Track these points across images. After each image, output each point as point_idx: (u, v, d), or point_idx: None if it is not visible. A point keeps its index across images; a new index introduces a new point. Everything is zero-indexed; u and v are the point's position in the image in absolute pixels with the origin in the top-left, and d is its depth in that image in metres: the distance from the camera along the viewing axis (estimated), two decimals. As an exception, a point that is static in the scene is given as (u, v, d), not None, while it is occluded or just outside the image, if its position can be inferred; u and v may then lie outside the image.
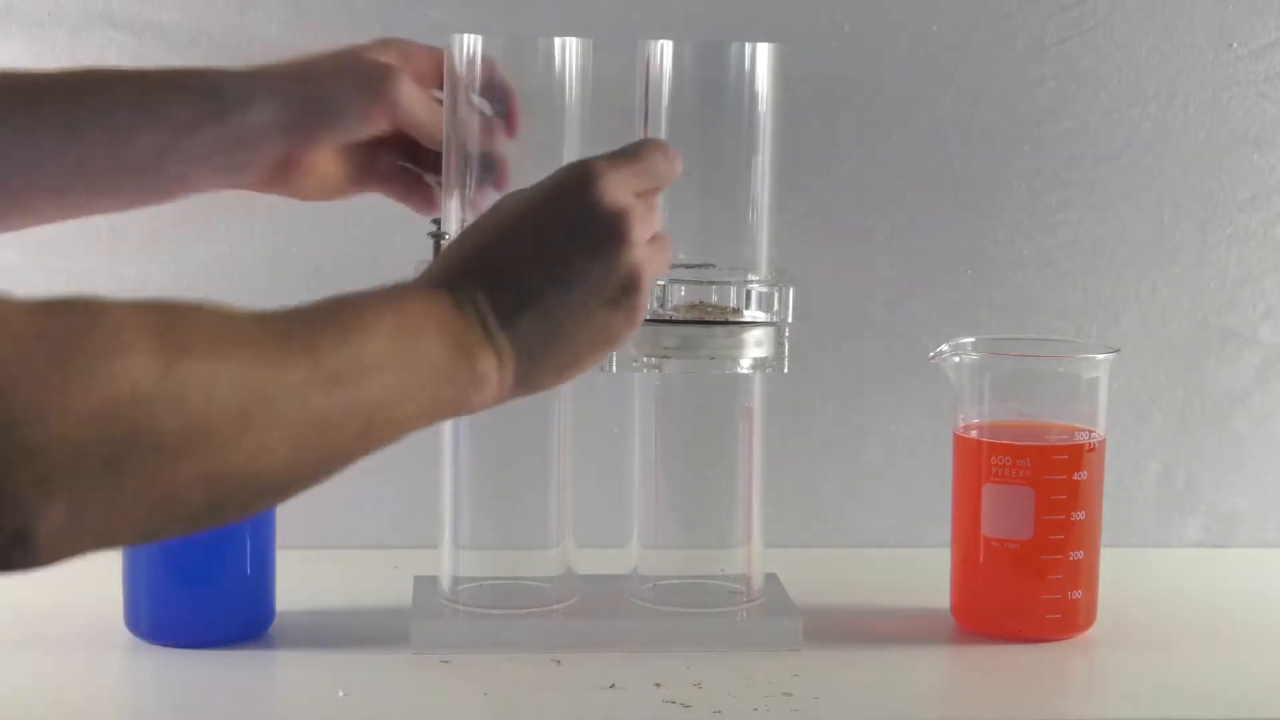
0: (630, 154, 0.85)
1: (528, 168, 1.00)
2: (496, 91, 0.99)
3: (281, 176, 0.97)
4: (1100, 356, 1.06)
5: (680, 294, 1.00)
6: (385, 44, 0.98)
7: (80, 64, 1.11)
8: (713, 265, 1.00)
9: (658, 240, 0.85)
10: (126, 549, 1.00)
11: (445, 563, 1.03)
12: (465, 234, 0.83)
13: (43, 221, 1.01)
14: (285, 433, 0.69)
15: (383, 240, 1.17)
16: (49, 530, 0.63)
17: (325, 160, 0.97)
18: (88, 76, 0.96)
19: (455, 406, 0.79)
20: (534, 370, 0.81)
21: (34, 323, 0.63)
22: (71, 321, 0.64)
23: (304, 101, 0.95)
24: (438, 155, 0.99)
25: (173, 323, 0.67)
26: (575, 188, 0.82)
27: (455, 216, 0.98)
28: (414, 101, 0.96)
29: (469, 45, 0.98)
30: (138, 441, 0.64)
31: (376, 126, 0.96)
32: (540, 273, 0.81)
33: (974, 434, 1.05)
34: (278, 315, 0.73)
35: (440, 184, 0.99)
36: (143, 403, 0.64)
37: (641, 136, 1.00)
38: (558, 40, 0.98)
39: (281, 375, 0.70)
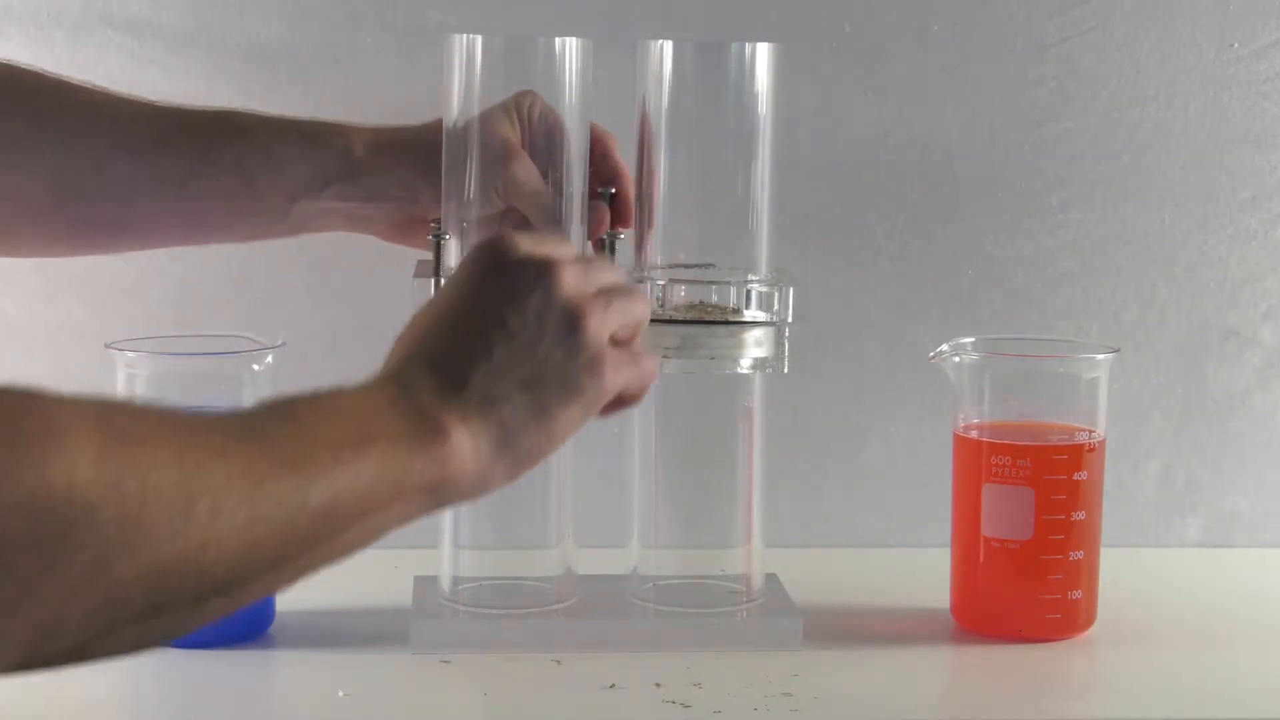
0: (532, 231, 0.86)
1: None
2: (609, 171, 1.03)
3: (403, 232, 1.03)
4: (1100, 356, 1.06)
5: (680, 294, 1.00)
6: (507, 110, 0.99)
7: (90, 65, 1.12)
8: (713, 265, 1.00)
9: (609, 292, 0.81)
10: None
11: (445, 563, 1.03)
12: (399, 336, 0.80)
13: (168, 245, 1.08)
14: (235, 522, 0.64)
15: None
16: None
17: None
18: (220, 119, 1.01)
19: (436, 486, 0.74)
20: (510, 432, 0.77)
21: None
22: (2, 410, 0.59)
23: (428, 173, 1.00)
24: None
25: (109, 411, 0.63)
26: (490, 255, 0.80)
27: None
28: (528, 184, 0.98)
29: (469, 45, 0.98)
30: (72, 536, 0.59)
31: (493, 206, 0.99)
32: (480, 336, 0.78)
33: (974, 434, 1.05)
34: (217, 412, 0.69)
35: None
36: (78, 494, 0.59)
37: (641, 137, 1.00)
38: (558, 40, 0.98)
39: (226, 461, 0.65)
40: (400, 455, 0.72)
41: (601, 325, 0.80)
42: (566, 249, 0.82)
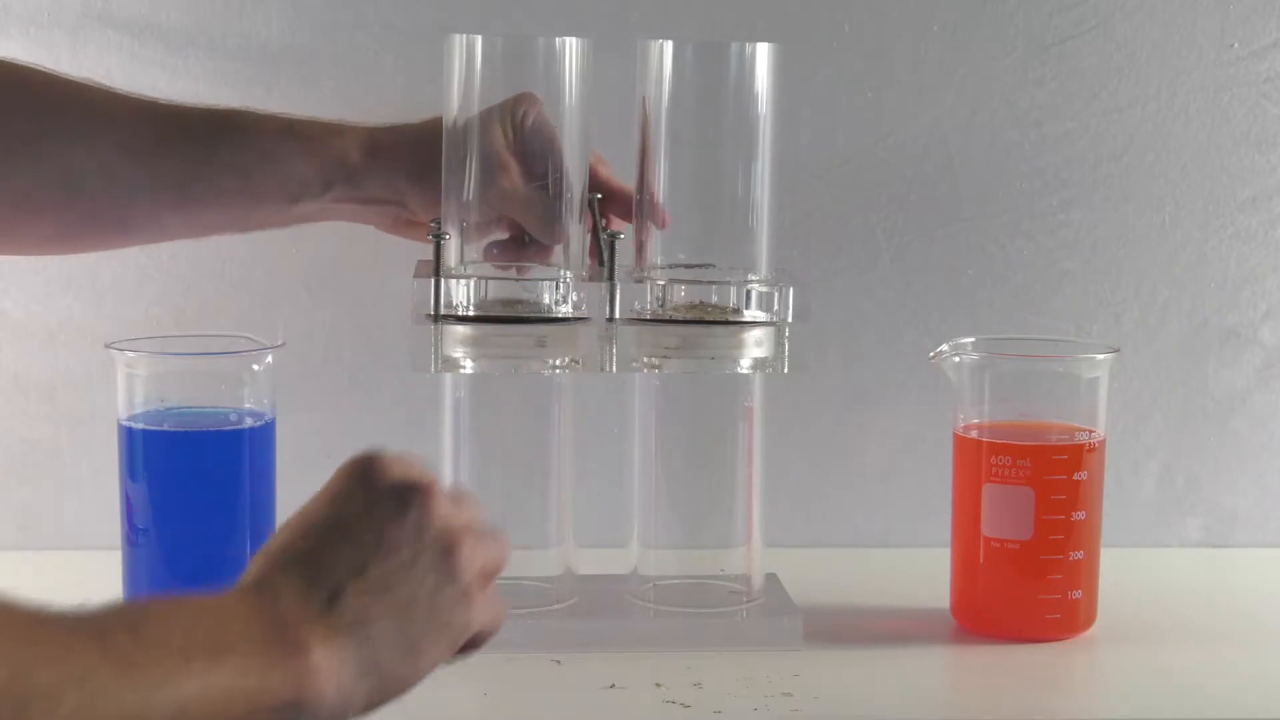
0: (403, 455, 0.80)
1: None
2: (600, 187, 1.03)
3: (400, 228, 1.05)
4: (1100, 356, 1.06)
5: (680, 294, 1.00)
6: (503, 114, 0.99)
7: (90, 65, 1.13)
8: (713, 265, 1.00)
9: (483, 534, 0.77)
10: (126, 545, 1.01)
11: (445, 563, 1.03)
12: (265, 546, 0.75)
13: (170, 240, 1.09)
14: None
15: (382, 239, 1.17)
16: None
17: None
18: (220, 120, 1.02)
19: (292, 706, 0.68)
20: (375, 659, 0.71)
21: None
22: None
23: (418, 180, 1.01)
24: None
25: None
26: (363, 473, 0.76)
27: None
28: (517, 195, 0.99)
29: (469, 45, 0.98)
30: None
31: (485, 214, 0.99)
32: (356, 551, 0.73)
33: (974, 434, 1.05)
34: (60, 610, 0.64)
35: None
36: None
37: (641, 138, 1.00)
38: (558, 40, 0.98)
39: (64, 662, 0.60)
40: (256, 669, 0.67)
41: (473, 556, 0.76)
42: (435, 476, 0.77)
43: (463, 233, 0.99)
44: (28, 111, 0.98)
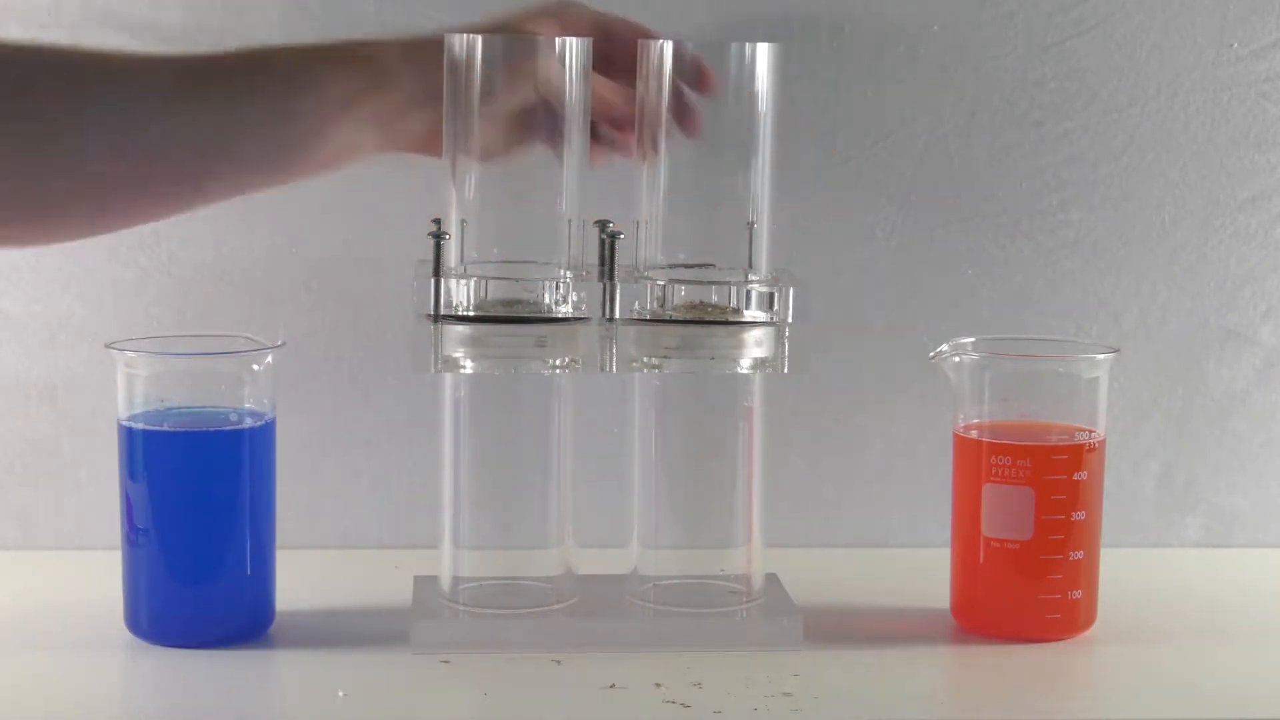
0: None
1: (528, 168, 1.00)
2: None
3: (436, 141, 1.00)
4: (1100, 356, 1.06)
5: (680, 294, 1.00)
6: (545, 13, 0.99)
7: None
8: (713, 265, 1.00)
9: None
10: (126, 545, 1.01)
11: (445, 563, 1.03)
12: None
13: (212, 201, 1.04)
14: None
15: (383, 239, 1.18)
16: None
17: (480, 126, 0.99)
18: (244, 60, 1.00)
19: None
20: None
21: None
22: None
23: None
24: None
25: None
26: None
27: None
28: (555, 74, 0.98)
29: (468, 45, 0.98)
30: None
31: (521, 97, 0.98)
32: None
33: (974, 434, 1.05)
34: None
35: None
36: None
37: (640, 136, 1.00)
38: (558, 40, 0.98)
39: None
40: None
41: None
42: None
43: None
44: (60, 96, 0.97)
